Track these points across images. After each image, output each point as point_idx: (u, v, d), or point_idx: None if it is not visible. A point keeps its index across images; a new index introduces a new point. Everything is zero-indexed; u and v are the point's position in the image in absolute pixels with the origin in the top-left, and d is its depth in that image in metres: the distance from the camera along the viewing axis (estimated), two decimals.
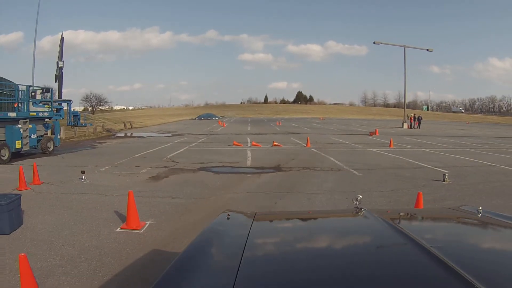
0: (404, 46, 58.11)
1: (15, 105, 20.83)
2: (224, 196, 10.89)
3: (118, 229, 7.77)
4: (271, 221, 3.16)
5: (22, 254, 4.66)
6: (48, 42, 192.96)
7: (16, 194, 8.31)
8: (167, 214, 8.89)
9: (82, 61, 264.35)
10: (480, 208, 2.75)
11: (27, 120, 20.04)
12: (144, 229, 7.81)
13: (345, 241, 2.35)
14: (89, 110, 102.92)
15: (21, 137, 19.34)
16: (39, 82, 36.78)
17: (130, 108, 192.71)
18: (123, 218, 8.36)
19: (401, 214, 3.49)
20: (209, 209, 9.53)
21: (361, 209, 2.76)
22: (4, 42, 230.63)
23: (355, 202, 2.87)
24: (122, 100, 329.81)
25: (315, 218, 3.27)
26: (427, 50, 61.94)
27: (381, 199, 10.48)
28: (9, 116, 19.50)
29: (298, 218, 3.27)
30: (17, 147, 18.97)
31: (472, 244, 2.25)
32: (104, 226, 7.99)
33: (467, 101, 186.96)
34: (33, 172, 12.59)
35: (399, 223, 2.57)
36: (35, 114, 21.37)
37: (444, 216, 3.17)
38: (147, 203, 9.29)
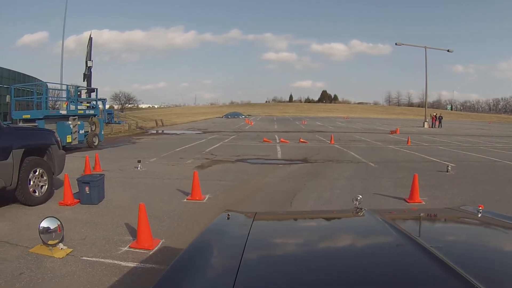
0: (425, 47, 58.62)
1: (65, 104, 23.31)
2: (262, 180, 13.02)
3: (185, 200, 10.04)
4: (271, 221, 3.19)
5: (141, 203, 6.81)
6: (73, 42, 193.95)
7: (100, 174, 10.45)
8: (219, 191, 11.07)
9: (107, 60, 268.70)
10: (480, 208, 2.78)
11: (76, 117, 22.19)
12: (206, 200, 10.11)
13: (345, 241, 2.40)
14: (115, 108, 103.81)
15: (71, 132, 21.40)
16: (65, 81, 38.38)
17: (156, 106, 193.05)
18: (186, 194, 10.57)
19: (401, 214, 3.65)
20: (252, 188, 11.76)
21: (361, 209, 2.81)
22: (29, 41, 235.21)
23: (355, 202, 2.93)
24: (146, 98, 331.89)
25: (315, 218, 3.32)
26: (448, 50, 62.24)
27: (388, 183, 12.47)
28: (60, 113, 21.94)
29: (298, 218, 3.35)
30: (67, 141, 20.91)
31: (472, 244, 2.27)
32: (173, 199, 10.21)
33: (491, 101, 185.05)
34: (95, 161, 14.74)
35: (399, 223, 2.57)
36: (82, 111, 23.68)
37: (444, 216, 3.20)
38: (201, 185, 10.88)
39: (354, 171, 15.09)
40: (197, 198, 10.08)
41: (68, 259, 6.10)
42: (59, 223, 6.26)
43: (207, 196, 10.41)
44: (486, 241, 2.31)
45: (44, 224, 6.20)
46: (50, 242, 6.22)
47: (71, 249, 6.45)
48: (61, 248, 6.35)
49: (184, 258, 2.04)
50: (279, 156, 19.92)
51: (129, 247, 6.66)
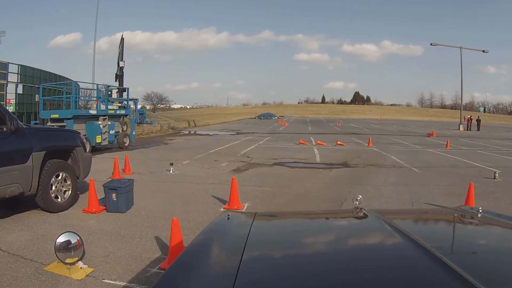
0: (460, 48, 56.37)
1: (96, 103, 22.65)
2: (304, 186, 11.84)
3: (221, 209, 8.82)
4: (271, 221, 3.16)
5: (175, 218, 5.74)
6: (105, 43, 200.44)
7: (129, 179, 9.44)
8: (259, 199, 9.98)
9: (140, 61, 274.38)
10: (480, 208, 2.76)
11: (106, 117, 21.50)
12: (245, 209, 8.99)
13: (346, 242, 2.35)
14: (146, 108, 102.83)
15: (101, 133, 20.79)
16: (97, 81, 38.51)
17: (188, 106, 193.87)
18: (222, 201, 9.54)
19: (401, 214, 3.54)
20: (293, 195, 10.60)
21: (361, 209, 2.78)
22: (63, 42, 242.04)
23: (355, 202, 2.92)
24: (179, 98, 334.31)
25: (315, 218, 3.26)
26: (483, 51, 59.05)
27: (438, 191, 11.19)
28: (90, 113, 21.31)
29: (298, 218, 3.27)
30: (97, 142, 20.43)
31: (471, 244, 2.24)
32: (209, 207, 9.12)
33: None
34: (125, 163, 13.88)
35: (399, 223, 2.52)
36: (113, 111, 23.00)
37: (444, 216, 3.18)
38: (239, 191, 9.87)
39: (398, 177, 13.86)
40: (235, 207, 8.95)
41: (88, 282, 5.16)
42: (78, 238, 5.31)
43: (246, 205, 9.34)
44: (486, 241, 2.32)
45: (61, 239, 5.24)
46: (68, 261, 5.28)
47: (92, 269, 5.51)
48: (81, 267, 5.43)
49: (184, 259, 2.00)
50: (318, 159, 18.68)
51: (159, 268, 5.66)
